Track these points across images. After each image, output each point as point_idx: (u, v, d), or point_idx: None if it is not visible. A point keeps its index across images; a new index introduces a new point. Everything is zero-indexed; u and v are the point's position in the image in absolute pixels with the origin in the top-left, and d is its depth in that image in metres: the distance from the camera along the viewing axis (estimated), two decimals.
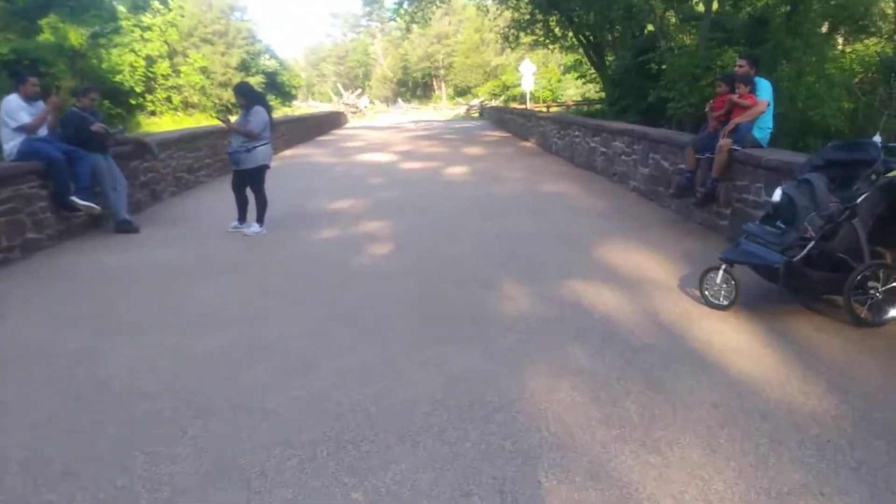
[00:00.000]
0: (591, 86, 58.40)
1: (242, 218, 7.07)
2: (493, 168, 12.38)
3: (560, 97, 59.13)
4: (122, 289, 5.02)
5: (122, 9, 33.94)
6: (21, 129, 6.14)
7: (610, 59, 22.51)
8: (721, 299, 4.21)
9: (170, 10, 35.64)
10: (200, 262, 5.81)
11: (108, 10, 33.05)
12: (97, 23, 32.27)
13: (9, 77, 6.37)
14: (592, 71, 23.61)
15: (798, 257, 3.83)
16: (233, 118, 7.47)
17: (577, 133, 12.35)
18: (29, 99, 6.29)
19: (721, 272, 4.19)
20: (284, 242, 6.50)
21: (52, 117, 6.49)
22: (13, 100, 6.20)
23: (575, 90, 58.97)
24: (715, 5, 15.07)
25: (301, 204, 8.76)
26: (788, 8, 13.64)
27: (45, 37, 30.36)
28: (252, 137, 6.64)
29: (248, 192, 6.99)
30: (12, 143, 6.12)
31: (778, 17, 14.15)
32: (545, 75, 57.31)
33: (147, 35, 34.06)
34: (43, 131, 6.39)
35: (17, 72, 6.97)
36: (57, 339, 3.96)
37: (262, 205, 6.93)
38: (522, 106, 41.59)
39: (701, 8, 17.73)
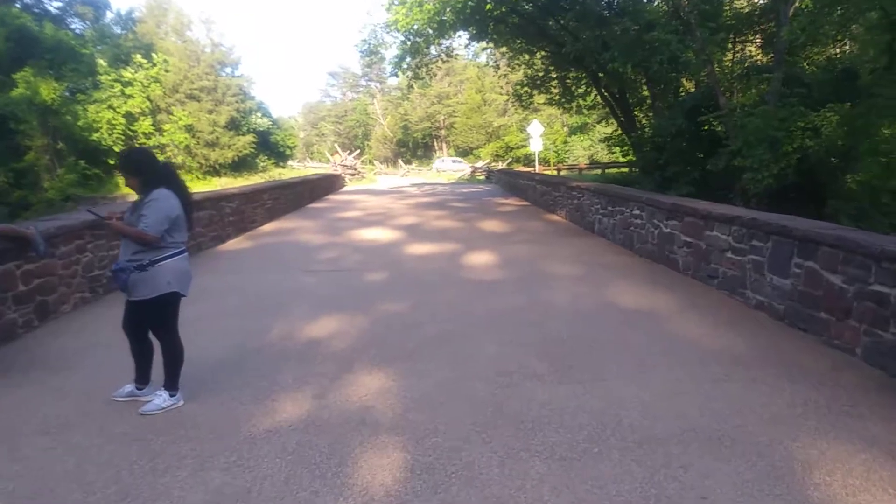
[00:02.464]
0: (599, 147, 56.82)
1: (142, 378, 4.11)
2: (529, 256, 9.49)
3: (566, 159, 57.39)
4: None
5: (102, 62, 31.68)
6: None
7: (640, 118, 20.10)
8: None
9: (154, 64, 33.41)
10: None
11: (87, 65, 30.81)
12: (75, 77, 29.99)
13: None
14: (619, 132, 21.14)
15: None
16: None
17: (637, 212, 9.51)
18: None
19: None
20: (204, 443, 3.49)
21: None
22: None
23: (582, 152, 57.32)
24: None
25: (261, 328, 5.77)
26: (887, 60, 10.90)
27: (20, 91, 28.01)
28: (148, 244, 3.73)
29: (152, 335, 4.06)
30: None
31: (868, 71, 11.53)
32: (549, 136, 55.66)
33: (128, 91, 31.75)
34: None
35: None
36: None
37: (173, 358, 3.96)
38: (530, 168, 39.36)
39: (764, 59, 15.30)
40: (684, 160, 13.47)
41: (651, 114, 19.58)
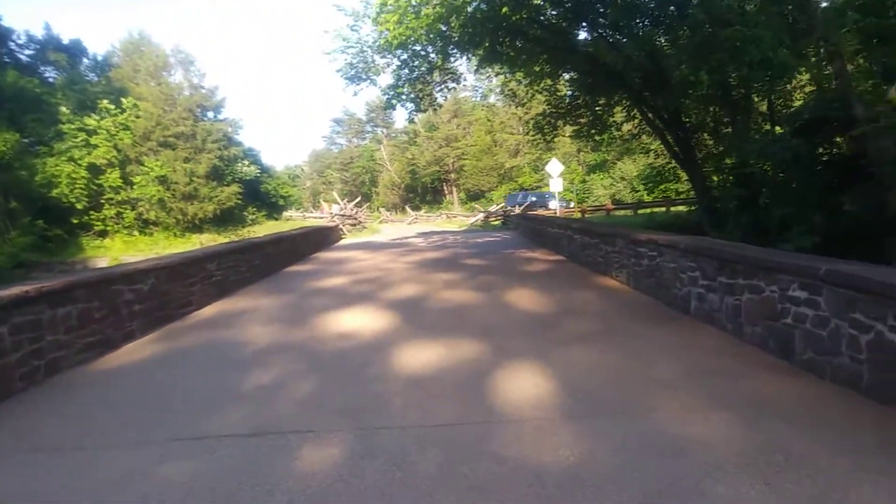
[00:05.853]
0: (621, 186, 52.51)
1: None
2: (610, 375, 5.34)
3: (585, 199, 53.55)
4: None
5: (64, 110, 28.04)
6: None
7: (698, 145, 16.07)
8: None
9: (122, 110, 29.71)
10: None
11: (51, 115, 27.34)
12: (38, 128, 26.50)
13: None
14: (672, 165, 17.10)
15: None
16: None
17: (799, 293, 5.33)
18: None
19: None
20: None
21: None
22: None
23: (603, 191, 53.32)
24: None
25: None
26: None
27: None
28: None
29: None
30: None
31: None
32: (566, 175, 51.87)
33: (93, 140, 28.04)
34: None
35: None
36: None
37: None
38: (552, 211, 35.34)
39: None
40: (799, 199, 9.32)
41: (712, 140, 15.56)
